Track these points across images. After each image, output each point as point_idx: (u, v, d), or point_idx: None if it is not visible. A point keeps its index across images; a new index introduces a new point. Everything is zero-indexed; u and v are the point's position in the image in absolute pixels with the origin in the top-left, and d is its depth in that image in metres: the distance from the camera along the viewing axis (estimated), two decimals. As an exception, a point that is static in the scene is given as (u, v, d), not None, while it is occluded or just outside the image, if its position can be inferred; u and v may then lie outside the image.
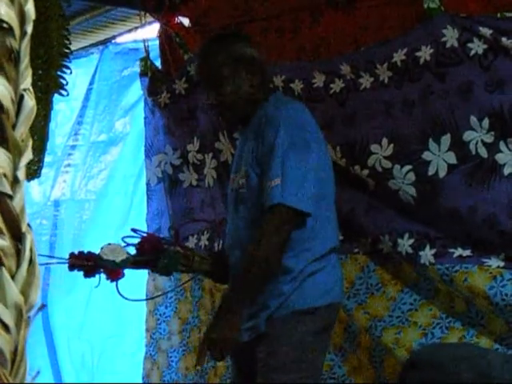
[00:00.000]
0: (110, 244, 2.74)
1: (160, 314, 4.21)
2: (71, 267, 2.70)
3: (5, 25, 0.75)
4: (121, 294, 2.74)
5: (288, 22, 3.61)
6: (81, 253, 2.72)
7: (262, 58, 2.74)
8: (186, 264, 2.82)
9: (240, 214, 2.67)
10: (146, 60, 4.29)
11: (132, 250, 2.78)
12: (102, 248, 2.72)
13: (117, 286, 2.72)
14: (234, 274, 2.68)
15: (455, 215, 3.08)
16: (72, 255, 2.72)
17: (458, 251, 3.09)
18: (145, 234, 2.89)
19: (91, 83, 4.89)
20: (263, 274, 2.50)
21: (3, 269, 0.73)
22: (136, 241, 2.80)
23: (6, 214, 0.74)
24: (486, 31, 2.99)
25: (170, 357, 4.16)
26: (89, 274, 2.71)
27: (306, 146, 2.53)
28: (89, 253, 2.71)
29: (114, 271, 2.68)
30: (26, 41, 0.79)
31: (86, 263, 2.67)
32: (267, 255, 2.46)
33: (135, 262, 2.74)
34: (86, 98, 4.92)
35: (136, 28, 4.69)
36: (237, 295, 2.53)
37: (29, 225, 0.79)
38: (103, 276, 2.72)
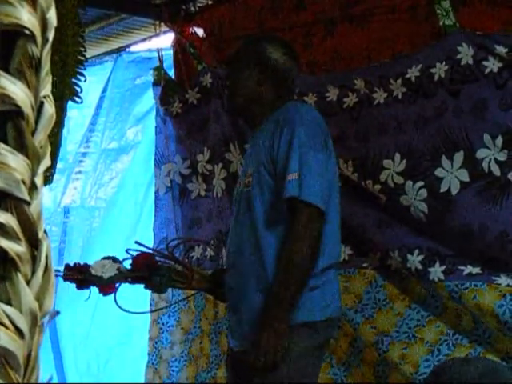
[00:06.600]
0: (104, 258, 2.74)
1: (163, 324, 4.21)
2: (65, 279, 2.71)
3: (27, 31, 0.75)
4: (119, 307, 2.71)
5: (301, 35, 3.62)
6: (76, 265, 2.73)
7: (291, 67, 2.75)
8: (185, 282, 2.81)
9: (241, 220, 2.66)
10: (159, 69, 4.31)
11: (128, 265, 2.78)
12: (94, 262, 2.72)
13: (115, 299, 2.70)
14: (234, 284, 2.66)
15: (466, 233, 3.08)
16: (67, 267, 2.74)
17: (468, 269, 3.08)
18: (147, 250, 2.87)
19: (104, 91, 4.91)
20: (301, 278, 2.46)
21: (19, 275, 0.73)
22: (135, 254, 2.78)
23: (23, 219, 0.74)
24: (502, 49, 2.99)
25: (171, 366, 4.15)
26: (80, 286, 2.72)
27: (322, 147, 2.54)
28: (82, 265, 2.72)
29: (106, 286, 2.68)
30: (48, 48, 0.79)
31: (77, 276, 2.69)
32: (302, 259, 2.43)
33: (128, 278, 2.73)
34: (99, 106, 4.94)
35: (150, 37, 4.72)
36: (279, 302, 2.46)
37: (45, 231, 0.79)
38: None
